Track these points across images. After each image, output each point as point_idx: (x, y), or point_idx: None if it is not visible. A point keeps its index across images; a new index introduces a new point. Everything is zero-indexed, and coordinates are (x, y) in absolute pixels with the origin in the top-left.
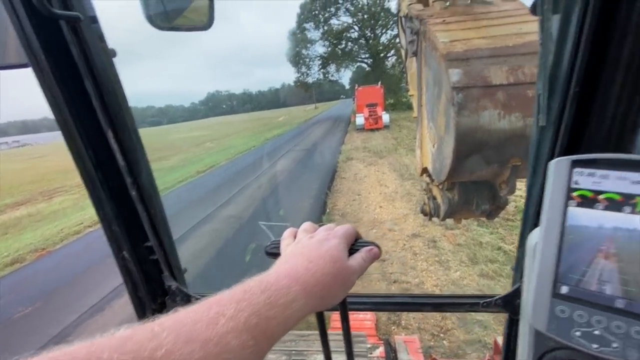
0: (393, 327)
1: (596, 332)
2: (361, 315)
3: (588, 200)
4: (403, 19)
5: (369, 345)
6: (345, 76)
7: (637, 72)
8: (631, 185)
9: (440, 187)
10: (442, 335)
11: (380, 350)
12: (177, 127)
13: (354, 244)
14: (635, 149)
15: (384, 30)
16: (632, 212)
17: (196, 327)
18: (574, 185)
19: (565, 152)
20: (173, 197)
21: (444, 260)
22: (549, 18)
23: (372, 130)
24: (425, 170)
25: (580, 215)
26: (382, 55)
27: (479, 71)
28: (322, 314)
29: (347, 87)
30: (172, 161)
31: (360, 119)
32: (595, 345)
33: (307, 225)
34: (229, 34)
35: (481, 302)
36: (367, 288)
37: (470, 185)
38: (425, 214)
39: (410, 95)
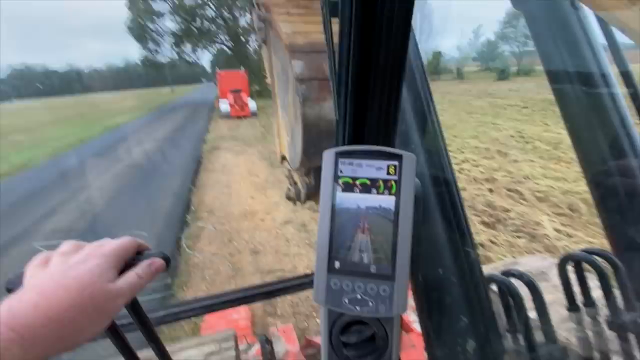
0: (269, 319)
1: (358, 297)
2: (234, 315)
3: (349, 186)
4: (255, 5)
5: (243, 347)
6: (204, 58)
7: (393, 75)
8: (376, 171)
9: (299, 173)
10: (314, 314)
11: (255, 349)
12: None
13: (134, 258)
14: (395, 142)
15: (243, 13)
16: (377, 193)
17: None
18: (339, 173)
19: (350, 144)
20: None
21: (314, 242)
22: (328, 20)
23: (238, 117)
24: (284, 158)
25: (344, 199)
26: (243, 39)
27: (319, 64)
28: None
29: (209, 70)
30: None
31: (225, 105)
32: (358, 308)
33: (66, 246)
34: None
35: (307, 280)
36: (240, 284)
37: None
38: (289, 199)
39: (269, 83)
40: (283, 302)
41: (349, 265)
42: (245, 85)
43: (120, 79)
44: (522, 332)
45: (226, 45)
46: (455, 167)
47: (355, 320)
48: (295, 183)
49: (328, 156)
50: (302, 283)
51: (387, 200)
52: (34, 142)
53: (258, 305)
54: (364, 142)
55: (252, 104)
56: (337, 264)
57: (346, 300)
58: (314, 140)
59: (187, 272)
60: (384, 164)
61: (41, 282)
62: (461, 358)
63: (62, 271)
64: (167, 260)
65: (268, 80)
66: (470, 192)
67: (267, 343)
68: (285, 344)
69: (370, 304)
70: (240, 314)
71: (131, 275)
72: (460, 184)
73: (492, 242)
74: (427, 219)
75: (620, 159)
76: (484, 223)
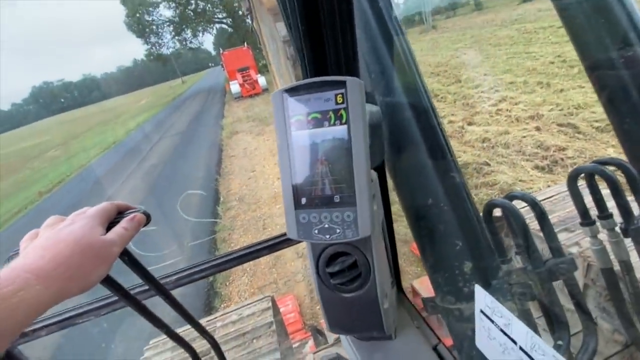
0: (318, 307)
1: (326, 226)
2: (282, 308)
3: (302, 123)
4: None
5: (296, 345)
6: (207, 41)
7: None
8: (324, 103)
9: None
10: None
11: (309, 345)
12: (0, 140)
13: (117, 217)
14: (360, 73)
15: None
16: (329, 125)
17: None
18: (290, 113)
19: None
20: (8, 236)
21: None
22: None
23: (251, 96)
24: None
25: (300, 137)
26: (241, 13)
27: None
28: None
29: (214, 53)
30: (0, 187)
31: (235, 87)
32: (327, 236)
33: (50, 219)
34: (38, 13)
35: (276, 241)
36: (282, 273)
37: None
38: None
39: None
40: None
41: (313, 198)
42: (251, 62)
43: (133, 78)
44: (525, 250)
45: (225, 23)
46: (491, 108)
47: (337, 252)
48: None
49: (276, 97)
50: (282, 242)
51: (339, 130)
52: (67, 155)
53: (304, 293)
54: (312, 76)
55: (261, 80)
56: (303, 200)
57: (316, 231)
58: None
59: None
60: (331, 94)
61: (38, 244)
62: (459, 279)
63: (54, 234)
64: (147, 215)
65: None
66: (515, 135)
67: (318, 333)
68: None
69: (338, 230)
70: (287, 307)
71: (118, 229)
72: (501, 127)
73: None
74: (409, 149)
75: (627, 55)
76: (537, 168)
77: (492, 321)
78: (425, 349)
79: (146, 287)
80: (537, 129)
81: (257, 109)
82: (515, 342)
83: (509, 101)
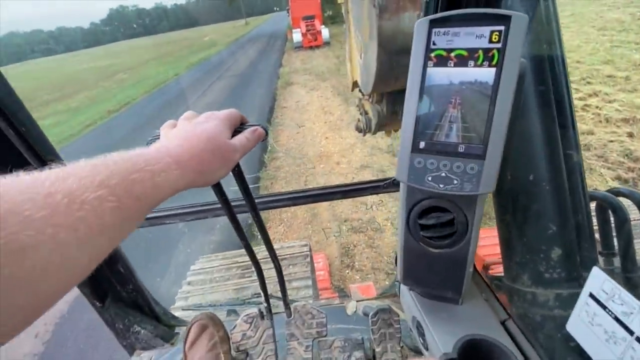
0: (347, 271)
1: (442, 175)
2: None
3: (442, 59)
4: None
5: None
6: None
7: None
8: (475, 40)
9: (370, 100)
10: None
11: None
12: (79, 56)
13: (240, 127)
14: (503, 3)
15: None
16: (475, 66)
17: (36, 183)
18: (432, 46)
19: (446, 10)
20: (79, 147)
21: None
22: None
23: (311, 48)
24: (356, 84)
25: (435, 75)
26: None
27: None
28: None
29: None
30: (76, 100)
31: (297, 36)
32: (441, 185)
33: (188, 113)
34: None
35: (382, 184)
36: (316, 229)
37: (397, 95)
38: (359, 131)
39: (340, 3)
40: (360, 256)
41: (434, 145)
42: (318, 11)
43: (200, 13)
44: (621, 251)
45: None
46: (578, 102)
47: (434, 206)
48: (366, 112)
49: (420, 26)
50: (378, 186)
51: (485, 74)
52: (134, 79)
53: (335, 255)
54: (462, 6)
55: (324, 32)
56: (422, 144)
57: (429, 178)
58: (390, 59)
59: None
60: (486, 30)
61: (178, 133)
62: (542, 264)
63: (191, 127)
64: (266, 131)
65: (339, 1)
66: (600, 137)
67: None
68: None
69: (456, 182)
70: (318, 264)
71: (241, 137)
72: (584, 125)
73: None
74: (524, 111)
75: None
76: (619, 179)
77: (605, 307)
78: (492, 320)
79: (241, 203)
80: (630, 135)
81: (315, 62)
82: (632, 333)
83: (601, 97)
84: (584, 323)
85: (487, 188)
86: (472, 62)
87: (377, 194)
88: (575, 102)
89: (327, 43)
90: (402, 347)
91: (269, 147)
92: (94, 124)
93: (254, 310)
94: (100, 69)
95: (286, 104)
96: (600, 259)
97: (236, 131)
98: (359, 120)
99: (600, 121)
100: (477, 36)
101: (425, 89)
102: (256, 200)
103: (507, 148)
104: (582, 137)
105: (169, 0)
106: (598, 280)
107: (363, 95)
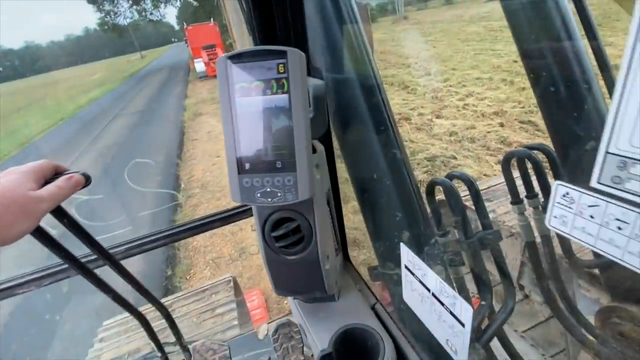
0: (285, 302)
1: (268, 190)
2: (248, 303)
3: (246, 90)
4: None
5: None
6: (170, 14)
7: None
8: (267, 72)
9: None
10: None
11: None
12: None
13: (53, 177)
14: (309, 46)
15: None
16: (272, 94)
17: None
18: (235, 79)
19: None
20: None
21: None
22: None
23: (216, 76)
24: None
25: (243, 104)
26: None
27: None
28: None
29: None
30: None
31: (200, 65)
32: (269, 199)
33: None
34: None
35: (240, 210)
36: (248, 267)
37: None
38: None
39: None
40: None
41: (256, 165)
42: (218, 39)
43: (84, 49)
44: (460, 224)
45: None
46: (459, 102)
47: (282, 218)
48: None
49: (221, 64)
50: (240, 212)
51: (281, 99)
52: (4, 132)
53: (271, 287)
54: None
55: None
56: (246, 165)
57: (258, 195)
58: None
59: (187, 255)
60: (273, 63)
61: None
62: (398, 247)
63: None
64: (87, 177)
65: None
66: (480, 130)
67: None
68: None
69: (279, 194)
70: (253, 303)
71: (51, 187)
72: (467, 121)
73: None
74: (355, 125)
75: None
76: (500, 162)
77: (413, 274)
78: (364, 308)
79: (94, 257)
80: (501, 125)
81: None
82: (429, 290)
83: (475, 96)
84: (409, 291)
85: (305, 195)
86: (269, 91)
87: (227, 224)
88: (457, 103)
89: None
90: (305, 356)
91: (183, 185)
92: None
93: None
94: None
95: (197, 136)
96: (453, 233)
97: (49, 182)
98: None
99: (478, 116)
100: (267, 68)
101: (238, 117)
102: (126, 246)
103: (351, 155)
104: (466, 132)
105: (43, 37)
106: (405, 253)
107: None
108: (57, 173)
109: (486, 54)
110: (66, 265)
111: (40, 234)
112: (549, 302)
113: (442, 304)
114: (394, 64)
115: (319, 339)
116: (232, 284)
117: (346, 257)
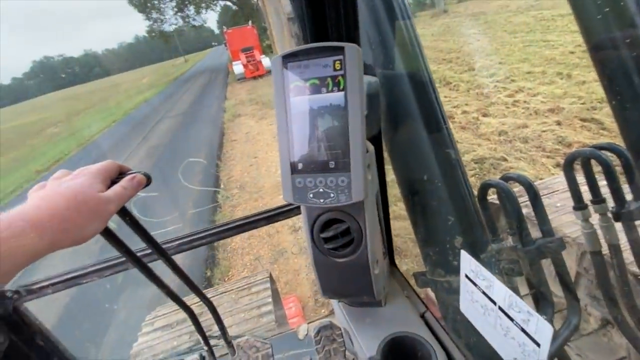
0: (323, 310)
1: (320, 190)
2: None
3: (300, 89)
4: None
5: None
6: (211, 19)
7: None
8: (323, 69)
9: None
10: None
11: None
12: (0, 114)
13: (118, 177)
14: (359, 39)
15: None
16: (327, 92)
17: None
18: (290, 78)
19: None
20: None
21: None
22: None
23: (254, 78)
24: None
25: (297, 103)
26: None
27: None
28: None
29: (217, 31)
30: None
31: (238, 67)
32: (321, 200)
33: (58, 172)
34: None
35: (285, 209)
36: (283, 267)
37: None
38: None
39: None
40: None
41: (310, 165)
42: (256, 41)
43: (135, 55)
44: (517, 230)
45: (230, 0)
46: (508, 99)
47: (332, 219)
48: None
49: (276, 63)
50: (285, 212)
51: (337, 97)
52: (68, 133)
53: (308, 295)
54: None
55: (265, 61)
56: (299, 165)
57: (310, 195)
58: None
59: (225, 257)
60: (329, 60)
61: (40, 194)
62: (449, 253)
63: (56, 186)
64: (147, 177)
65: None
66: (534, 129)
67: None
68: None
69: (332, 195)
70: (290, 310)
71: (117, 187)
72: (518, 120)
73: None
74: (406, 124)
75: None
76: (559, 166)
77: (475, 284)
78: (412, 316)
79: (149, 251)
80: (558, 123)
81: (261, 92)
82: (495, 303)
83: (526, 92)
84: (468, 302)
85: (359, 196)
86: (324, 89)
87: (273, 222)
88: (505, 99)
89: (269, 71)
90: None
91: (222, 185)
92: (20, 187)
93: (195, 356)
94: (27, 125)
95: (235, 137)
96: (508, 239)
97: (115, 182)
98: None
99: (531, 114)
100: (323, 66)
101: (292, 116)
102: (179, 242)
103: (401, 155)
104: (517, 131)
105: (99, 45)
106: (466, 261)
107: None
108: (121, 173)
109: (537, 45)
110: (124, 259)
111: (105, 232)
112: (614, 314)
113: (512, 319)
114: (434, 60)
115: (366, 345)
116: (269, 283)
117: (392, 263)
